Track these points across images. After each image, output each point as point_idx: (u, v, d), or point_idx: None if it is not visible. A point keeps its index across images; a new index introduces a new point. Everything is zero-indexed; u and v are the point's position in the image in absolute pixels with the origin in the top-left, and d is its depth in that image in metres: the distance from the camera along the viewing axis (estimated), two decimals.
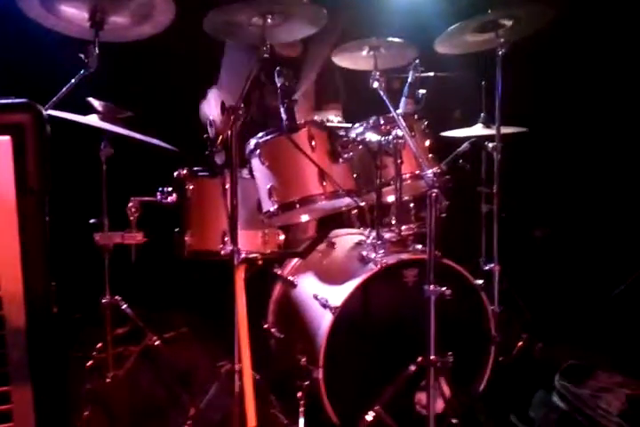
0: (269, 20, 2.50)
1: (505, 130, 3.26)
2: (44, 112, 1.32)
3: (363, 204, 2.86)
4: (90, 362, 3.00)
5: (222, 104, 2.36)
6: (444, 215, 2.79)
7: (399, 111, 2.76)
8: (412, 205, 2.97)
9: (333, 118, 2.78)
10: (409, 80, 2.81)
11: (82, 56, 2.55)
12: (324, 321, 2.54)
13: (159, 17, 2.67)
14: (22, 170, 1.29)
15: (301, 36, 2.79)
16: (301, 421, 2.56)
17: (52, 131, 1.38)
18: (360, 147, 2.77)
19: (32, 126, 1.29)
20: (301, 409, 2.59)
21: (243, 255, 2.28)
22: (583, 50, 4.13)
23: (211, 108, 3.35)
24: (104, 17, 2.58)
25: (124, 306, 3.02)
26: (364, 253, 2.73)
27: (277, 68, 2.55)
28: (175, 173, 2.84)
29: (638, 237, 4.07)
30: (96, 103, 2.80)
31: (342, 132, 2.81)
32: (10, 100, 1.32)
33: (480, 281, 2.80)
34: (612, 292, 3.66)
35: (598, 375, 2.73)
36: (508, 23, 2.99)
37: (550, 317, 3.69)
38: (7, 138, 1.28)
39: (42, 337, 1.38)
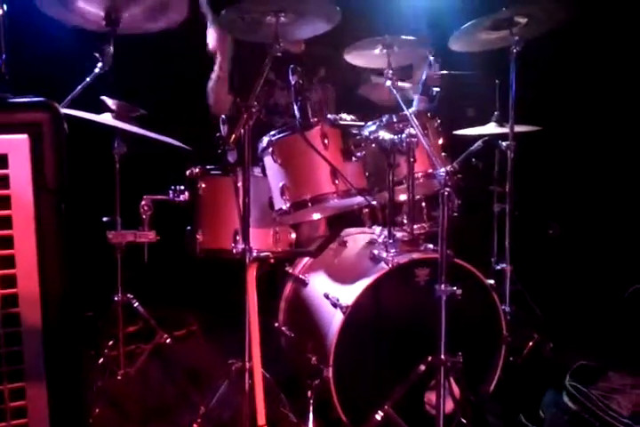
0: (282, 18, 2.49)
1: (518, 128, 3.25)
2: (62, 111, 1.33)
3: (374, 202, 2.86)
4: (101, 360, 3.01)
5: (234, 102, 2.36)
6: (456, 214, 2.78)
7: (412, 109, 2.75)
8: (424, 204, 2.96)
9: (346, 116, 2.77)
10: (422, 78, 2.80)
11: (97, 55, 2.56)
12: (334, 320, 2.54)
13: (173, 14, 2.68)
14: (40, 168, 1.30)
15: (315, 33, 2.77)
16: (311, 419, 2.55)
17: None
18: (373, 145, 2.76)
19: (49, 125, 1.30)
20: (311, 408, 2.58)
21: (254, 254, 2.28)
22: (597, 48, 4.11)
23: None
24: (119, 15, 2.60)
25: (136, 304, 3.03)
26: (376, 252, 2.72)
27: (291, 65, 2.53)
28: (187, 172, 2.84)
29: None
30: (109, 102, 2.80)
31: (355, 131, 2.79)
32: (27, 99, 1.32)
33: (491, 281, 2.79)
34: (624, 292, 3.64)
35: (609, 377, 2.72)
36: (523, 21, 2.98)
37: (561, 317, 3.68)
38: (25, 136, 1.28)
39: (57, 335, 1.38)
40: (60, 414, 1.41)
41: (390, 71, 2.79)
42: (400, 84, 2.79)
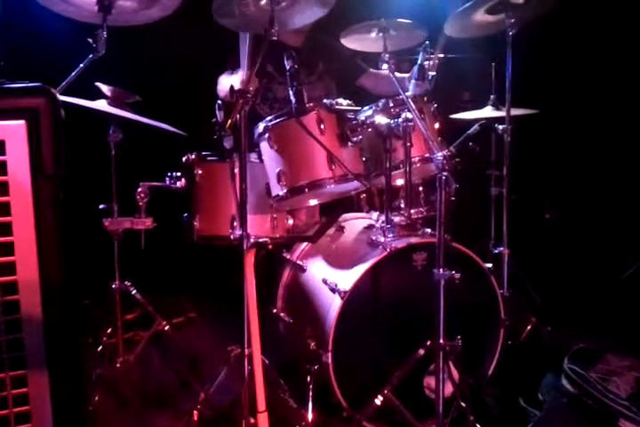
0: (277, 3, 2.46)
1: (515, 112, 3.25)
2: (59, 96, 1.32)
3: (372, 187, 2.85)
4: (100, 347, 3.02)
5: (231, 87, 2.33)
6: (453, 198, 2.78)
7: (408, 94, 2.73)
8: (421, 188, 2.96)
9: (342, 101, 2.75)
10: (419, 62, 2.78)
11: (90, 41, 2.54)
12: (333, 305, 2.54)
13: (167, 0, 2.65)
14: (37, 154, 1.29)
15: (310, 20, 2.74)
16: (310, 405, 2.56)
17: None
18: (369, 130, 2.74)
19: (47, 111, 1.29)
20: (310, 393, 2.59)
21: (252, 240, 2.27)
22: (593, 31, 4.10)
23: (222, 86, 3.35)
24: (112, 0, 2.57)
25: (134, 291, 3.03)
26: (374, 237, 2.72)
27: (287, 51, 2.51)
28: (184, 158, 2.83)
29: None
30: (104, 88, 2.78)
31: (351, 115, 2.78)
32: (24, 85, 1.31)
33: (489, 265, 2.79)
34: (621, 275, 3.66)
35: (607, 359, 2.73)
36: (519, 1, 2.96)
37: (559, 300, 3.69)
38: (22, 122, 1.28)
39: (57, 322, 1.38)
40: (62, 401, 1.42)
41: (387, 55, 2.77)
42: (398, 74, 2.76)
